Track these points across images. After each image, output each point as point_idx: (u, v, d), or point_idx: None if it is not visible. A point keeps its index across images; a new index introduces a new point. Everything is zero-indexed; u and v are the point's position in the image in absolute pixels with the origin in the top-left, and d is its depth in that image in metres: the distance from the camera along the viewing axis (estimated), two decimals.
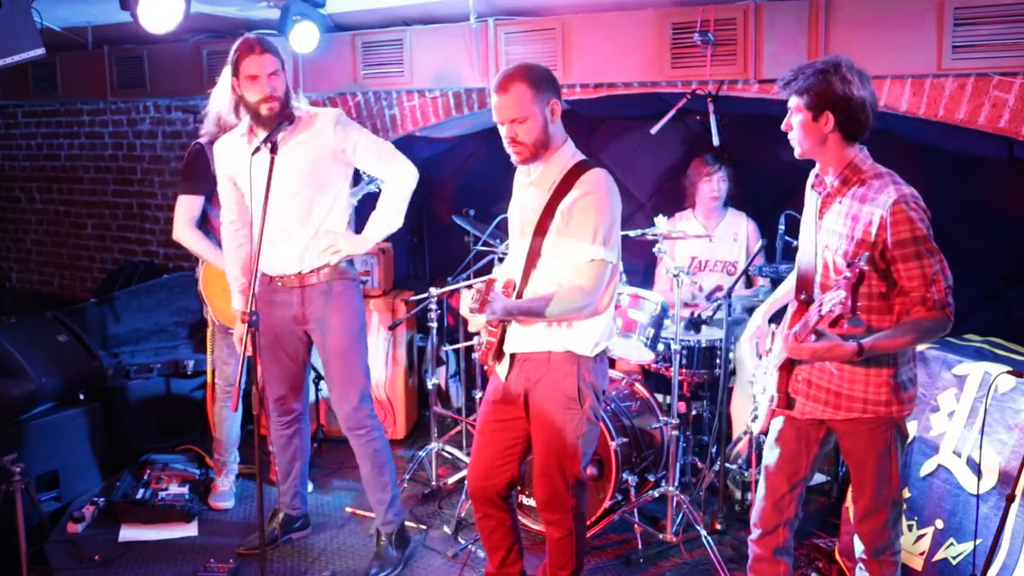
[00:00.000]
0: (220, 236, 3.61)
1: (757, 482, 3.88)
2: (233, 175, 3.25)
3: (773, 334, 2.69)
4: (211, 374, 4.00)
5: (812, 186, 2.54)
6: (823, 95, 2.32)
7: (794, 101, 2.40)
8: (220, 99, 3.28)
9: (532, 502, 3.48)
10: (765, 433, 2.71)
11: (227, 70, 3.18)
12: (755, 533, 2.73)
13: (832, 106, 2.33)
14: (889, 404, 2.42)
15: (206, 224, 3.74)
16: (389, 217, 3.22)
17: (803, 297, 2.52)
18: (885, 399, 2.42)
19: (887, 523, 2.55)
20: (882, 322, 2.38)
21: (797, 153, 2.47)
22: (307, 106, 3.28)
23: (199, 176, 3.65)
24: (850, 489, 2.67)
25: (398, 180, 3.24)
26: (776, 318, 2.75)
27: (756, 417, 2.71)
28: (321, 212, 3.21)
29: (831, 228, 2.44)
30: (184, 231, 3.67)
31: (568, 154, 2.67)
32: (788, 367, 2.56)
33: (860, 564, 2.65)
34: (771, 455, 2.67)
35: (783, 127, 2.46)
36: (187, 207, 3.68)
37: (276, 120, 3.05)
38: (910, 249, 2.28)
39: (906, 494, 3.15)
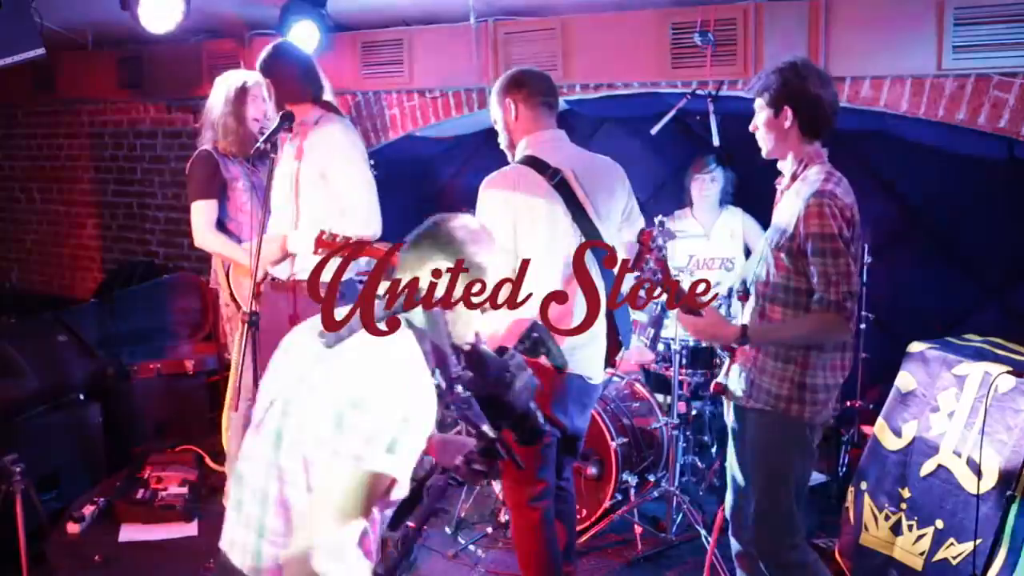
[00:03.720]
0: (239, 235, 3.60)
1: None
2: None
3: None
4: (233, 377, 3.94)
5: (776, 182, 2.63)
6: (781, 91, 2.43)
7: (758, 102, 2.51)
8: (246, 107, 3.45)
9: None
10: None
11: (245, 77, 3.37)
12: (731, 527, 2.74)
13: (789, 101, 2.42)
14: (790, 401, 2.41)
15: (223, 228, 3.66)
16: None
17: (741, 288, 2.61)
18: (787, 395, 2.42)
19: (771, 532, 2.51)
20: (797, 318, 2.41)
21: (764, 153, 2.55)
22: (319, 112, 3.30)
23: (209, 179, 3.62)
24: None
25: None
26: None
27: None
28: (312, 218, 3.19)
29: (775, 222, 2.52)
30: (206, 236, 3.59)
31: (523, 147, 2.73)
32: (733, 354, 2.60)
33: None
34: (730, 446, 2.70)
35: (750, 128, 2.55)
36: (204, 212, 3.61)
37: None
38: (816, 245, 2.32)
39: (906, 494, 3.15)
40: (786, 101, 2.43)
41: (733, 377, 2.56)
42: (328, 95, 3.37)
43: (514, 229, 2.61)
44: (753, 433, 2.51)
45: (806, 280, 2.37)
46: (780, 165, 2.56)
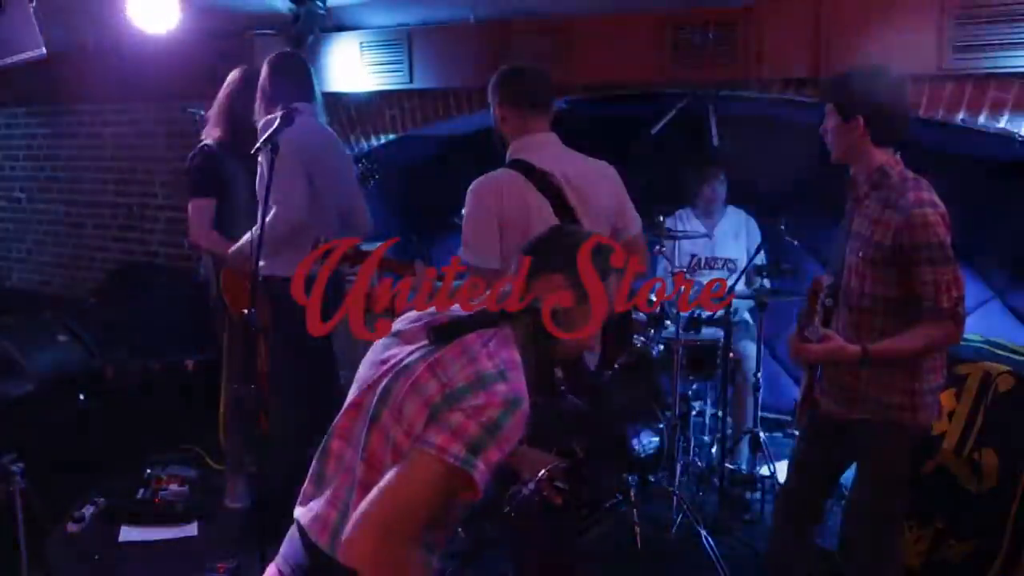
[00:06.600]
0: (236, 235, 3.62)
1: (757, 481, 3.90)
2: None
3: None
4: (225, 377, 3.95)
5: (847, 190, 2.55)
6: (852, 100, 2.37)
7: (828, 106, 2.44)
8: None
9: None
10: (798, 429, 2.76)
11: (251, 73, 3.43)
12: (782, 513, 2.76)
13: (860, 109, 2.35)
14: (903, 409, 2.39)
15: (221, 227, 3.67)
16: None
17: (828, 302, 2.51)
18: (898, 403, 2.39)
19: (879, 530, 2.50)
20: (899, 328, 2.35)
21: (832, 157, 2.49)
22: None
23: (208, 177, 3.64)
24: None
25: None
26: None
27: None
28: None
29: (857, 231, 2.45)
30: (202, 234, 3.61)
31: (513, 149, 2.72)
32: (812, 366, 2.57)
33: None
34: (797, 450, 2.70)
35: (820, 130, 2.49)
36: (201, 210, 3.63)
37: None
38: (926, 254, 2.28)
39: None
40: (856, 109, 2.36)
41: (826, 388, 2.53)
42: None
43: (500, 233, 2.60)
44: (865, 443, 2.48)
45: (906, 289, 2.33)
46: (852, 172, 2.49)
